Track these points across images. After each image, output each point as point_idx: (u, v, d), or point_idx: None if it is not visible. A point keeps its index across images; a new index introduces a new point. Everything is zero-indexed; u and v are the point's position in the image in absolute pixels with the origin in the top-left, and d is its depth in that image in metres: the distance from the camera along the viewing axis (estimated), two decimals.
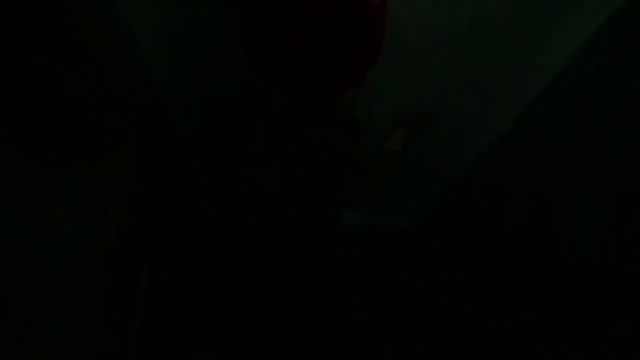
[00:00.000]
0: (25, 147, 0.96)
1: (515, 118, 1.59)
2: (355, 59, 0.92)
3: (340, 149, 0.98)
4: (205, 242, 2.38)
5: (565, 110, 1.44)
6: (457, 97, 1.63)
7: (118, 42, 1.11)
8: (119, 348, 1.43)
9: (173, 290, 2.17)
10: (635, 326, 1.29)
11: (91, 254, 1.28)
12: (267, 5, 0.84)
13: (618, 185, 1.35)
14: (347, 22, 0.84)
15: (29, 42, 0.88)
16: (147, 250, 1.65)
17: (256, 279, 2.33)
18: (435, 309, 2.33)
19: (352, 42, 0.88)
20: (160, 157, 1.75)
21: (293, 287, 2.30)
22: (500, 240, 2.05)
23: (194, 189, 2.17)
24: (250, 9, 0.86)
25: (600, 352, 1.40)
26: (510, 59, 1.45)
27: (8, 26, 0.82)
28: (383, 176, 1.05)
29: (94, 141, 1.21)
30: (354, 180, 0.98)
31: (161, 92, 1.42)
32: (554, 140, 1.55)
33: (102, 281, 1.36)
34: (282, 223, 2.37)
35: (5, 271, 0.90)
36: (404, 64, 1.45)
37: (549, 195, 1.66)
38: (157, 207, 1.89)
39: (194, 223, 2.37)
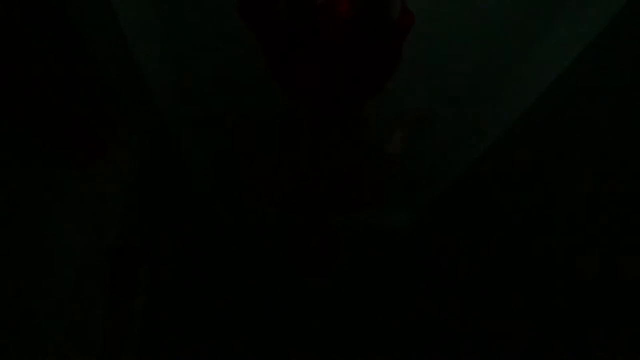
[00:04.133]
0: (25, 147, 0.96)
1: (515, 118, 1.59)
2: (378, 73, 0.92)
3: (354, 157, 0.98)
4: (205, 243, 2.38)
5: (565, 110, 1.44)
6: (457, 97, 1.63)
7: (118, 43, 1.10)
8: (119, 348, 1.43)
9: (173, 290, 2.17)
10: (636, 326, 1.29)
11: (91, 254, 1.28)
12: (290, 32, 0.84)
13: (619, 185, 1.35)
14: (372, 40, 0.85)
15: (30, 44, 0.88)
16: (147, 250, 1.65)
17: (256, 279, 2.33)
18: (435, 308, 2.34)
19: (376, 58, 0.88)
20: (160, 158, 1.75)
21: (293, 287, 2.30)
22: (500, 239, 2.05)
23: (194, 190, 2.16)
24: (272, 36, 0.86)
25: (600, 353, 1.41)
26: (510, 58, 1.45)
27: (9, 27, 0.81)
28: (384, 178, 1.05)
29: (93, 141, 1.21)
30: (358, 181, 0.98)
31: (161, 93, 1.42)
32: (554, 140, 1.55)
33: (102, 281, 1.36)
34: (284, 227, 2.37)
35: (5, 271, 0.90)
36: (404, 64, 1.45)
37: (549, 194, 1.66)
38: (157, 208, 1.89)
39: (193, 223, 2.37)
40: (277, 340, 2.20)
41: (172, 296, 2.16)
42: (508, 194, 1.88)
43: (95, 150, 1.23)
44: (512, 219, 1.92)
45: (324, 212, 1.01)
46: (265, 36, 0.88)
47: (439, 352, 2.22)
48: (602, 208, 1.41)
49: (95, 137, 1.21)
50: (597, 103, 1.33)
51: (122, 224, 1.48)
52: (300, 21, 0.83)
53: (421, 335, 2.28)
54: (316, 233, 1.00)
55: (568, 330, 1.60)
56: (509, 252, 1.98)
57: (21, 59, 0.88)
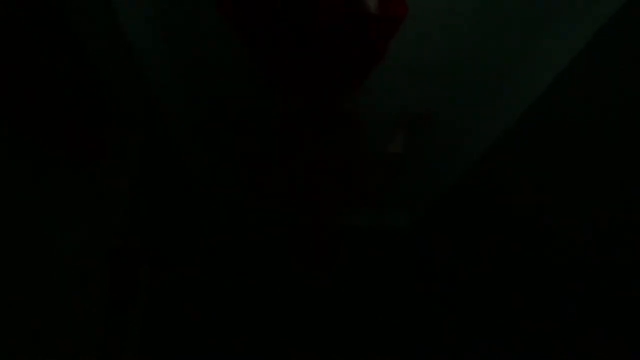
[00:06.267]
0: (25, 147, 0.96)
1: (516, 118, 1.59)
2: (360, 65, 0.93)
3: (344, 151, 0.98)
4: (205, 243, 2.38)
5: (566, 110, 1.44)
6: (457, 97, 1.63)
7: (118, 44, 1.10)
8: (119, 348, 1.43)
9: (173, 290, 2.17)
10: (636, 326, 1.29)
11: (91, 254, 1.28)
12: (272, 27, 0.84)
13: (620, 185, 1.35)
14: (353, 33, 0.85)
15: (30, 44, 0.88)
16: (147, 250, 1.65)
17: (256, 279, 2.33)
18: (435, 308, 2.34)
19: (358, 51, 0.89)
20: (160, 158, 1.75)
21: (293, 287, 2.30)
22: (500, 240, 2.05)
23: (194, 190, 2.16)
24: (255, 31, 0.87)
25: (600, 353, 1.41)
26: (510, 58, 1.45)
27: (9, 28, 0.81)
28: (385, 178, 1.05)
29: (94, 141, 1.21)
30: (357, 181, 0.99)
31: (162, 93, 1.42)
32: (555, 140, 1.55)
33: (102, 281, 1.36)
34: (284, 227, 2.37)
35: (5, 271, 0.90)
36: (404, 64, 1.45)
37: (549, 195, 1.66)
38: (157, 208, 1.89)
39: (193, 224, 2.37)
40: (277, 340, 2.20)
41: (172, 296, 2.15)
42: (508, 194, 1.88)
43: (95, 150, 1.23)
44: (512, 219, 1.92)
45: (322, 209, 1.02)
46: (244, 29, 0.88)
47: (439, 352, 2.22)
48: (603, 208, 1.41)
49: (95, 137, 1.21)
50: (597, 103, 1.33)
51: (122, 224, 1.48)
52: (289, 13, 0.83)
53: (421, 335, 2.28)
54: (316, 232, 1.00)
55: (568, 330, 1.60)
56: (509, 252, 1.98)
57: (21, 60, 0.88)
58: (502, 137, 1.70)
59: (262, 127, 1.06)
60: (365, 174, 0.99)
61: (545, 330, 1.71)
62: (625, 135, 1.29)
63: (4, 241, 0.90)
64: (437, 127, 1.77)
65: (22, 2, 0.86)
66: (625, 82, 1.22)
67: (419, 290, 2.38)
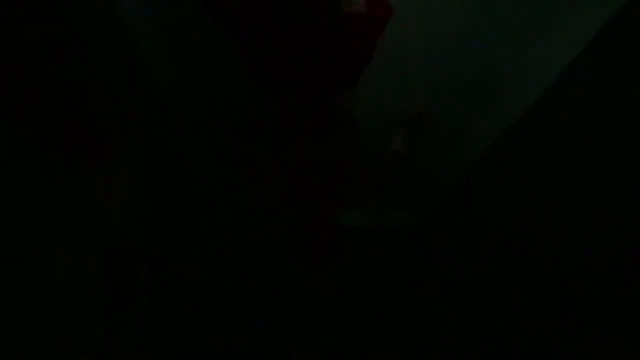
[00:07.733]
0: (24, 147, 0.95)
1: (516, 118, 1.59)
2: (350, 63, 0.93)
3: (341, 150, 0.98)
4: (205, 243, 2.38)
5: (566, 110, 1.44)
6: (457, 97, 1.63)
7: (118, 44, 1.10)
8: (119, 348, 1.43)
9: (173, 290, 2.17)
10: (632, 333, 1.29)
11: (91, 254, 1.27)
12: (261, 22, 0.84)
13: (621, 185, 1.35)
14: (347, 33, 0.85)
15: (30, 44, 0.88)
16: (147, 250, 1.65)
17: (256, 279, 2.33)
18: (435, 308, 2.34)
19: (352, 50, 0.89)
20: (160, 158, 1.75)
21: (293, 288, 2.30)
22: (501, 240, 2.05)
23: (194, 190, 2.16)
24: (241, 26, 0.87)
25: (600, 353, 1.41)
26: (510, 58, 1.45)
27: (8, 27, 0.81)
28: (386, 178, 1.05)
29: (94, 141, 1.21)
30: (357, 181, 0.99)
31: (162, 93, 1.41)
32: (555, 140, 1.55)
33: (102, 281, 1.35)
34: (283, 226, 2.37)
35: (4, 271, 0.90)
36: (404, 64, 1.45)
37: (550, 195, 1.66)
38: (157, 208, 1.89)
39: (194, 224, 2.37)
40: (277, 340, 2.20)
41: (173, 296, 2.15)
42: (509, 194, 1.88)
43: (95, 150, 1.23)
44: (512, 219, 1.92)
45: (322, 209, 1.02)
46: (240, 28, 0.88)
47: (439, 352, 2.22)
48: (604, 208, 1.41)
49: (95, 137, 1.21)
50: (598, 103, 1.33)
51: (122, 224, 1.48)
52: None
53: (421, 335, 2.28)
54: (316, 232, 1.00)
55: (568, 330, 1.60)
56: (509, 252, 1.98)
57: (21, 59, 0.88)
58: (502, 138, 1.70)
59: (261, 126, 1.06)
60: (365, 174, 0.99)
61: (545, 330, 1.71)
62: (626, 136, 1.29)
63: (4, 241, 0.90)
64: (437, 127, 1.77)
65: (21, 2, 0.85)
66: (626, 83, 1.22)
67: (419, 290, 2.37)
